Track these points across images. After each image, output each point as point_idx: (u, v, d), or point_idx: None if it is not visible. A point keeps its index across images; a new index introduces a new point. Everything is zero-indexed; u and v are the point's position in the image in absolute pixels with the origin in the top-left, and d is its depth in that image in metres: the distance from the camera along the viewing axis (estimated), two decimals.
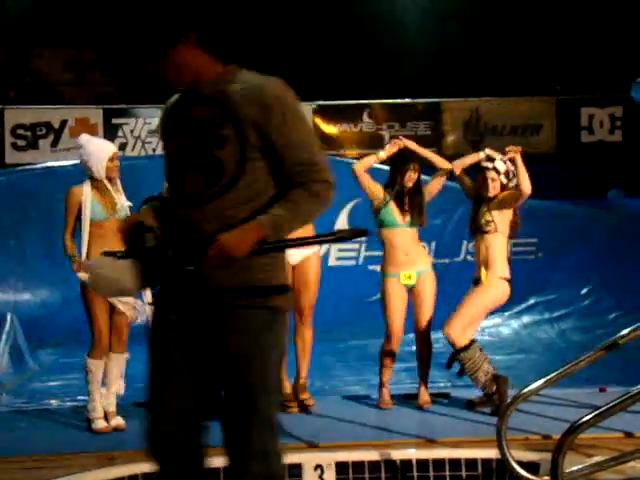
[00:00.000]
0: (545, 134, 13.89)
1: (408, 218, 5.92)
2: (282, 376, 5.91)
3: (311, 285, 5.94)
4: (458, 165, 6.02)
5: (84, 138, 5.58)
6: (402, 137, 6.06)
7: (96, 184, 5.49)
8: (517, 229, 5.99)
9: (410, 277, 5.91)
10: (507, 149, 5.89)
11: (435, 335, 6.03)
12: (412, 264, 5.91)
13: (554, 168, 13.00)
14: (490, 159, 5.94)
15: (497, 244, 5.85)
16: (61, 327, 9.46)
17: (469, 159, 6.04)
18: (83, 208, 5.41)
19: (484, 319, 6.12)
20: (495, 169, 5.90)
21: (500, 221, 5.86)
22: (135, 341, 5.57)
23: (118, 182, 5.58)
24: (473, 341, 5.78)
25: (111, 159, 5.49)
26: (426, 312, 5.94)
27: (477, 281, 5.87)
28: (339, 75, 15.10)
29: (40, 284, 10.03)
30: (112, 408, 5.55)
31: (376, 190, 5.99)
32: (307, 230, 6.01)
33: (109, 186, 5.49)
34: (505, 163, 5.93)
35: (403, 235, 5.93)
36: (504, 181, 5.93)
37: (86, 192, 5.44)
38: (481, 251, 5.89)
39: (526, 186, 5.69)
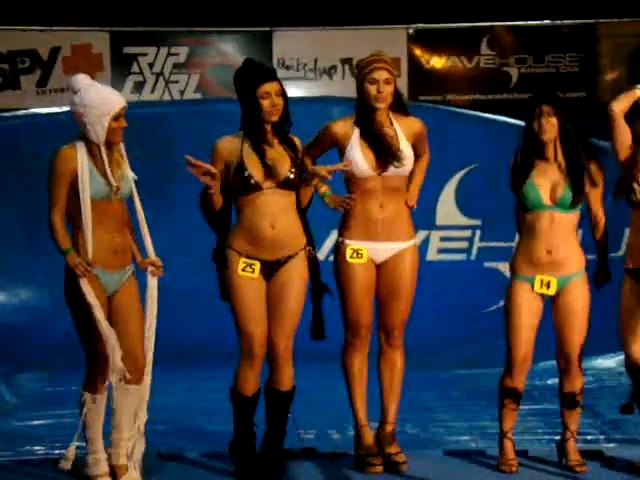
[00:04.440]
0: None
1: (560, 195, 5.81)
2: (362, 422, 5.97)
3: (405, 291, 5.91)
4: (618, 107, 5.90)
5: (83, 81, 5.52)
6: None
7: (92, 149, 5.49)
8: None
9: (549, 285, 5.80)
10: None
11: (586, 363, 6.00)
12: (556, 267, 5.81)
13: None
14: None
15: None
16: (49, 341, 9.54)
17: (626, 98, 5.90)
18: (80, 180, 5.42)
19: None
20: None
21: None
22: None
23: (122, 147, 5.56)
24: None
25: (116, 117, 5.46)
26: (576, 332, 5.84)
27: (637, 272, 5.79)
28: None
29: (21, 281, 10.17)
30: (122, 460, 5.55)
31: None
32: (404, 219, 5.98)
33: (104, 155, 5.46)
34: None
35: (551, 222, 5.82)
36: None
37: (82, 158, 5.46)
38: (633, 231, 5.84)
39: None
